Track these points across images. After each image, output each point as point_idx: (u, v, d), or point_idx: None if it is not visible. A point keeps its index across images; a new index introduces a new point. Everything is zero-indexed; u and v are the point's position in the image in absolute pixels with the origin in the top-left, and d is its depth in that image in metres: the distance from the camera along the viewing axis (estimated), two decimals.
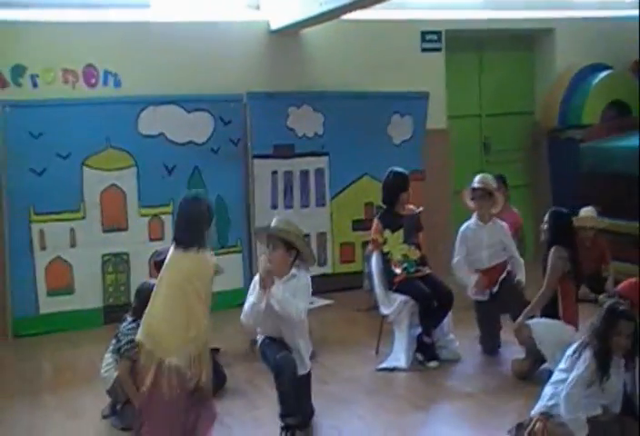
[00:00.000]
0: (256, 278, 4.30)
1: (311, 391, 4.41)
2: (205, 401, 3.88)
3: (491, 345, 5.69)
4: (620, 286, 4.80)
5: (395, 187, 5.65)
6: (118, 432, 4.46)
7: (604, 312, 3.98)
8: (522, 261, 5.79)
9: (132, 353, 4.44)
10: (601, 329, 3.93)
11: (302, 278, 4.37)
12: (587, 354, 3.93)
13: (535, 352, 4.94)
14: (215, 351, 5.18)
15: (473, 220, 5.83)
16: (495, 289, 5.63)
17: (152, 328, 3.83)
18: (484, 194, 5.74)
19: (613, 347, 3.89)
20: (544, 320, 4.95)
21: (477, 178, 5.84)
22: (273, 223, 4.40)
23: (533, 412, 4.04)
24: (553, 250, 5.00)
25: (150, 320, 3.85)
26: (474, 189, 5.78)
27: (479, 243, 5.74)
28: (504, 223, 5.87)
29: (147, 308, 3.91)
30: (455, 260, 5.78)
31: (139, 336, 3.88)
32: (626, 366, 3.97)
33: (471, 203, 5.82)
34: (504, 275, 5.67)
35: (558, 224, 5.12)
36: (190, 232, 3.85)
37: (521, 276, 5.69)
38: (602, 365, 3.88)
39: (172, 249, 3.94)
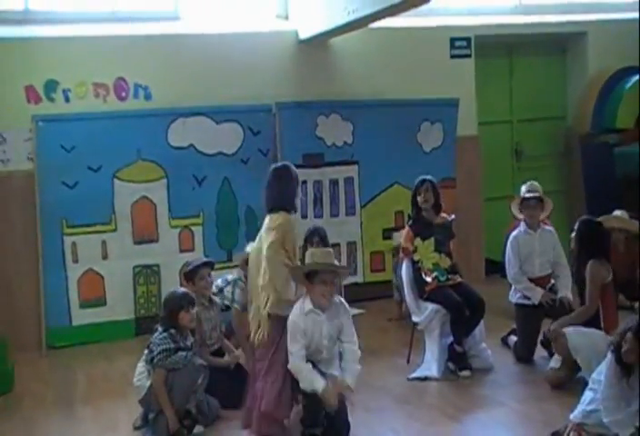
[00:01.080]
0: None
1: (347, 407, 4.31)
2: None
3: (527, 354, 5.61)
4: None
5: (412, 192, 5.66)
6: None
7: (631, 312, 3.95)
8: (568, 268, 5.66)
9: (165, 363, 4.47)
10: (623, 328, 3.89)
11: (340, 306, 4.31)
12: (610, 355, 3.90)
13: (572, 361, 4.85)
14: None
15: (522, 228, 5.75)
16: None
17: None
18: (536, 203, 5.67)
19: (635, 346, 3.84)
20: (580, 328, 4.87)
21: (527, 187, 5.75)
22: (317, 259, 4.22)
23: (572, 416, 3.99)
24: (590, 264, 4.93)
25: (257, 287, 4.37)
26: (525, 199, 5.69)
27: (531, 252, 5.67)
28: (552, 228, 5.80)
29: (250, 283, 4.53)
30: (513, 272, 5.69)
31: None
32: None
33: (519, 214, 5.74)
34: (551, 283, 5.62)
35: (588, 233, 5.04)
36: (281, 198, 4.40)
37: (567, 284, 5.58)
38: (622, 364, 3.85)
39: (266, 218, 4.43)
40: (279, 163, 4.82)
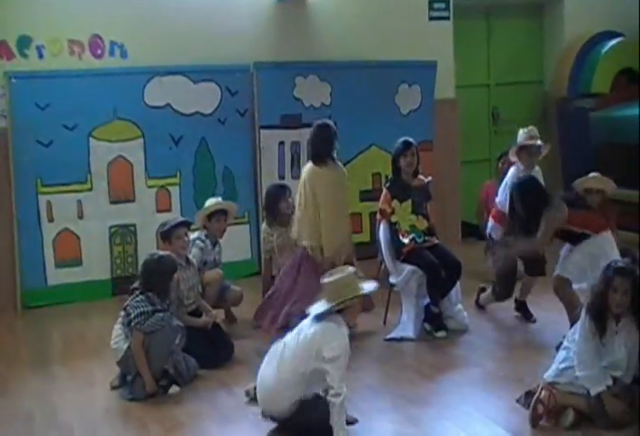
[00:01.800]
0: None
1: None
2: None
3: (505, 292, 5.63)
4: None
5: (395, 153, 5.62)
6: (127, 403, 4.49)
7: (603, 270, 4.03)
8: None
9: (143, 326, 4.47)
10: (599, 286, 3.97)
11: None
12: (584, 313, 4.01)
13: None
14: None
15: (519, 169, 5.68)
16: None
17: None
18: (537, 150, 5.65)
19: (610, 304, 3.93)
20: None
21: (527, 133, 5.67)
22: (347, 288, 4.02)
23: (545, 375, 4.06)
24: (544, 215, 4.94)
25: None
26: (526, 146, 5.62)
27: None
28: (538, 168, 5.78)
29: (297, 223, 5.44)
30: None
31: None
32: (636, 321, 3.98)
33: (516, 159, 5.68)
34: None
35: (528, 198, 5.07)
36: (323, 149, 5.34)
37: None
38: (597, 321, 3.94)
39: (308, 165, 5.46)
40: (320, 120, 5.63)
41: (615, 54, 8.22)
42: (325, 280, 3.99)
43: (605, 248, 4.96)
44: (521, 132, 5.75)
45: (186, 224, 5.30)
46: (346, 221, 5.64)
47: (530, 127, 5.76)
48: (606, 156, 7.74)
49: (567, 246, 5.11)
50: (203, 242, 5.54)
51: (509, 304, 5.79)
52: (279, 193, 5.88)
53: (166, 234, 5.15)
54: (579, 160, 8.05)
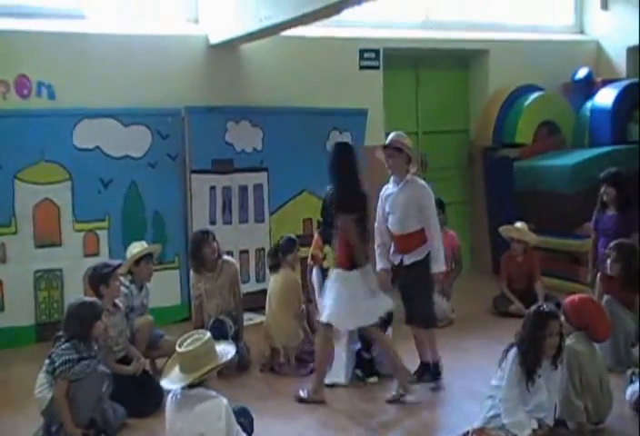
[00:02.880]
0: None
1: None
2: None
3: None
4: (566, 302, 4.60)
5: (329, 201, 5.55)
6: None
7: (532, 316, 4.10)
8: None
9: (68, 374, 4.33)
10: (531, 332, 4.05)
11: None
12: (511, 356, 4.09)
13: None
14: None
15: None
16: (409, 261, 5.19)
17: None
18: (392, 152, 5.20)
19: (544, 348, 4.05)
20: None
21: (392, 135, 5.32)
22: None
23: (475, 424, 4.10)
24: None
25: None
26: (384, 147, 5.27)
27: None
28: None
29: None
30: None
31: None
32: (554, 364, 4.13)
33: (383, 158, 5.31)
34: (422, 247, 5.17)
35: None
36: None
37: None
38: (529, 367, 4.05)
39: None
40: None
41: (537, 106, 8.54)
42: (181, 350, 3.79)
43: None
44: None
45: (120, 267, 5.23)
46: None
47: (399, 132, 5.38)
48: (529, 203, 7.99)
49: None
50: (127, 287, 5.46)
51: (441, 349, 5.83)
52: (202, 238, 5.82)
53: (105, 277, 5.02)
54: (504, 207, 8.29)
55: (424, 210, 5.16)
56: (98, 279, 5.03)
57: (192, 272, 5.96)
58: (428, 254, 5.14)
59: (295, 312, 5.79)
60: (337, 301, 4.97)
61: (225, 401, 3.75)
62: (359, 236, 4.95)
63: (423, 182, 5.29)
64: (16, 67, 6.63)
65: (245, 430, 4.05)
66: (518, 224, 7.15)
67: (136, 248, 5.65)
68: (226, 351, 3.94)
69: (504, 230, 7.21)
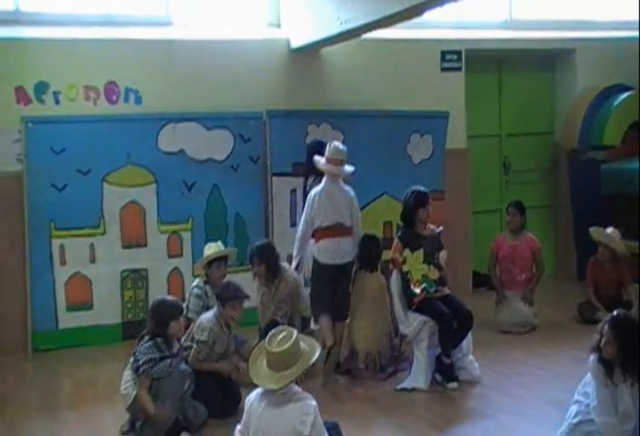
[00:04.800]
0: None
1: None
2: None
3: None
4: None
5: (412, 204, 5.62)
6: None
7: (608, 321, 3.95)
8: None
9: (150, 373, 4.43)
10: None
11: None
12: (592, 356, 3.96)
13: None
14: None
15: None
16: None
17: None
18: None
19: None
20: None
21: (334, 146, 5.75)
22: None
23: (559, 432, 4.00)
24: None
25: None
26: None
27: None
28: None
29: None
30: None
31: None
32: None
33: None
34: None
35: None
36: None
37: None
38: (605, 364, 3.90)
39: None
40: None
41: (627, 107, 8.27)
42: (272, 349, 3.72)
43: None
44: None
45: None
46: None
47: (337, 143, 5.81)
48: (617, 207, 7.75)
49: None
50: (200, 288, 5.55)
51: (522, 355, 5.74)
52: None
53: (228, 297, 4.98)
54: (590, 211, 8.07)
55: None
56: (222, 297, 5.00)
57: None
58: None
59: (384, 318, 5.74)
60: None
61: (314, 402, 3.78)
62: None
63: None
64: (106, 74, 6.83)
65: None
66: (609, 230, 6.91)
67: (210, 249, 5.70)
68: (312, 347, 3.91)
69: (595, 231, 6.98)
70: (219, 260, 5.65)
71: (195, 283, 5.62)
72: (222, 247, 5.78)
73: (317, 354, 3.87)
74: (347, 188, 5.81)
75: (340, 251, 5.68)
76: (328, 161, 5.71)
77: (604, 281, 6.91)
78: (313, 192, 5.77)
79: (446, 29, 8.27)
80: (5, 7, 6.85)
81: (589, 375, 4.02)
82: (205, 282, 5.61)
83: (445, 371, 5.39)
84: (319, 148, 5.97)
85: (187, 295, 5.68)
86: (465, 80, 8.21)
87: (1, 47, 6.51)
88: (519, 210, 6.93)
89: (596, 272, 6.97)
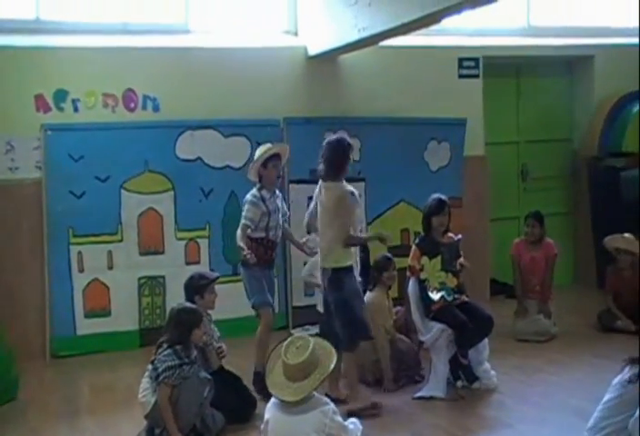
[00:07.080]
0: None
1: None
2: None
3: None
4: None
5: (427, 212, 5.62)
6: None
7: None
8: None
9: (171, 380, 4.43)
10: None
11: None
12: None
13: None
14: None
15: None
16: None
17: None
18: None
19: None
20: None
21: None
22: None
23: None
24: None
25: None
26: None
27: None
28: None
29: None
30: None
31: None
32: None
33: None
34: None
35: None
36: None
37: None
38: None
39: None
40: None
41: None
42: (289, 361, 3.74)
43: None
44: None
45: (217, 279, 5.27)
46: None
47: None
48: (637, 214, 7.68)
49: None
50: (256, 196, 5.51)
51: (541, 363, 5.69)
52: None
53: (200, 288, 5.11)
54: (609, 219, 8.01)
55: None
56: (194, 289, 5.10)
57: None
58: None
59: (382, 331, 5.62)
60: None
61: (331, 404, 3.75)
62: None
63: None
64: (124, 82, 6.87)
65: None
66: (626, 235, 6.86)
67: (261, 151, 5.61)
68: (329, 354, 3.90)
69: (609, 240, 6.92)
70: (274, 158, 5.59)
71: (249, 194, 5.54)
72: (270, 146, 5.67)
73: (334, 361, 3.85)
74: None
75: None
76: None
77: (623, 288, 6.84)
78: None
79: (464, 36, 8.26)
80: (25, 16, 6.91)
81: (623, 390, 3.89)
82: (259, 189, 5.55)
83: (464, 371, 5.38)
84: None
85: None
86: (482, 87, 8.19)
87: (21, 55, 6.57)
88: (538, 221, 6.86)
89: (616, 280, 6.91)
